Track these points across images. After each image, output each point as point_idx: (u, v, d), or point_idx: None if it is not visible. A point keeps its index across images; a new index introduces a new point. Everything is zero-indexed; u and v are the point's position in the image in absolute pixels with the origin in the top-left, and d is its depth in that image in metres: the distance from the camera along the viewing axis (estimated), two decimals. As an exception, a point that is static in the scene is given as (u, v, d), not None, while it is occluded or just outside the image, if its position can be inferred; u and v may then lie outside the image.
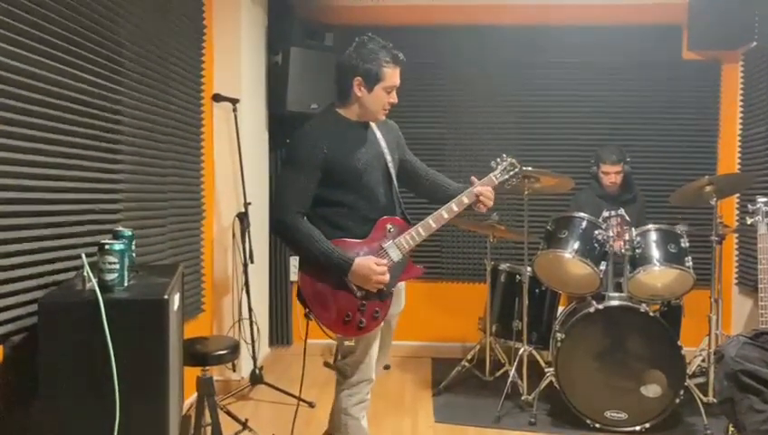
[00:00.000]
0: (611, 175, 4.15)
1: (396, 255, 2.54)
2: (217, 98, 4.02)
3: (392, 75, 2.52)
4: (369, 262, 2.46)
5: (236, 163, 4.03)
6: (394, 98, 2.57)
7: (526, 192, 3.82)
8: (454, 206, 2.63)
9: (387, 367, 4.67)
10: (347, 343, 2.55)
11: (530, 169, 3.73)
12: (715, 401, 3.44)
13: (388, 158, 2.64)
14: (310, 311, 2.51)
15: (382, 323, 2.58)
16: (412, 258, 2.62)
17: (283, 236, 2.59)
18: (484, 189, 2.65)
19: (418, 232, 2.57)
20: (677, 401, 3.49)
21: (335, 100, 2.60)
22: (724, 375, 1.99)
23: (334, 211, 2.53)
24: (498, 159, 2.80)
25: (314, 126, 2.58)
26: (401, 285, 2.73)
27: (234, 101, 4.02)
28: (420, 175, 2.82)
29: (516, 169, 2.78)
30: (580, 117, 4.90)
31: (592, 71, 4.88)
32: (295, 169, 2.51)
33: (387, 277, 2.49)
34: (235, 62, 4.14)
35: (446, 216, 2.62)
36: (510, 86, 4.91)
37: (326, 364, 2.80)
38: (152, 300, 1.89)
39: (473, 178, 2.69)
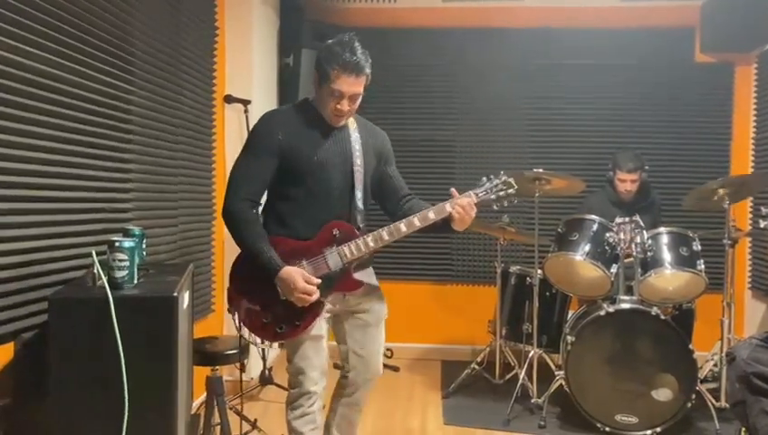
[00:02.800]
0: (627, 183, 4.11)
1: (335, 263, 2.39)
2: (229, 99, 4.03)
3: (337, 80, 2.31)
4: (297, 277, 2.31)
5: (247, 164, 4.03)
6: (344, 106, 2.36)
7: (537, 194, 3.80)
8: (416, 220, 2.39)
9: (396, 369, 4.67)
10: (262, 346, 2.42)
11: (540, 170, 3.73)
12: (727, 405, 3.41)
13: (358, 162, 2.47)
14: (231, 305, 2.43)
15: (312, 332, 2.42)
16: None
17: (224, 220, 2.43)
18: (465, 202, 2.39)
19: (366, 243, 2.39)
20: (689, 405, 3.46)
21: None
22: (735, 378, 1.97)
23: (283, 206, 2.43)
24: (492, 176, 2.52)
25: (276, 112, 2.51)
26: (378, 292, 2.61)
27: (245, 103, 4.03)
28: (395, 193, 2.61)
29: (511, 190, 2.47)
30: (592, 119, 4.88)
31: (604, 73, 4.86)
32: (248, 153, 2.42)
33: (312, 297, 2.33)
34: (247, 63, 4.15)
35: (404, 229, 2.39)
36: (522, 88, 4.90)
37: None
38: (161, 297, 1.90)
39: (452, 190, 2.44)
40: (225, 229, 4.09)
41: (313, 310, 2.39)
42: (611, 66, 4.85)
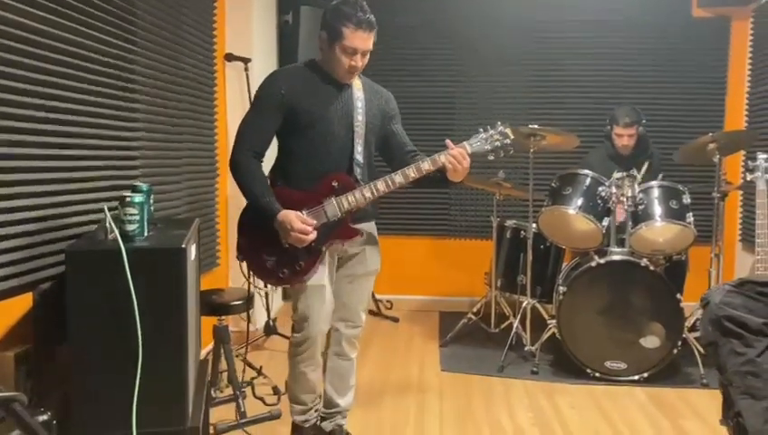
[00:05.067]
0: (624, 137, 4.16)
1: (333, 212, 2.50)
2: (229, 57, 4.10)
3: (351, 37, 2.42)
4: (292, 217, 2.43)
5: (249, 122, 4.12)
6: (356, 61, 2.47)
7: (532, 150, 3.89)
8: (411, 171, 2.49)
9: (396, 320, 4.83)
10: (265, 290, 2.56)
11: (536, 126, 3.81)
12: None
13: (359, 118, 2.56)
14: (239, 251, 2.58)
15: (314, 281, 2.54)
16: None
17: (231, 171, 2.58)
18: (456, 152, 2.47)
19: (363, 193, 2.49)
20: (675, 352, 3.62)
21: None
22: (708, 321, 2.10)
23: (286, 159, 2.58)
24: (488, 126, 2.57)
25: (281, 70, 2.65)
26: (375, 247, 2.73)
27: (245, 61, 4.09)
28: (400, 150, 2.70)
29: (507, 140, 2.53)
30: (590, 75, 4.94)
31: (603, 29, 4.90)
32: (254, 108, 2.57)
33: (308, 237, 2.44)
34: (247, 21, 4.20)
35: (399, 180, 2.49)
36: (521, 45, 4.94)
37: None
38: (171, 249, 2.00)
39: (447, 141, 2.51)
40: (229, 185, 4.24)
41: (312, 255, 2.51)
42: (609, 22, 4.88)
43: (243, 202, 4.26)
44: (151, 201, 2.40)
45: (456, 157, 2.46)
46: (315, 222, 2.48)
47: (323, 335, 2.65)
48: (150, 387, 1.91)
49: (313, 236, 2.46)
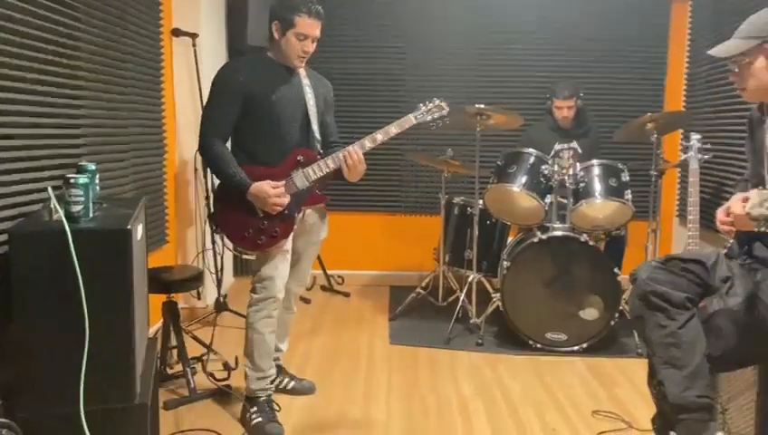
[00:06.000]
0: (564, 109, 4.34)
1: (302, 182, 2.79)
2: (176, 32, 4.05)
3: (304, 24, 2.71)
4: (265, 186, 2.71)
5: (197, 98, 4.10)
6: (308, 47, 2.76)
7: (478, 128, 3.98)
8: (367, 142, 2.82)
9: (347, 295, 4.91)
10: (246, 256, 2.84)
11: (482, 106, 3.89)
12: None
13: (310, 101, 2.87)
14: (216, 225, 2.86)
15: (283, 243, 2.81)
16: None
17: (201, 155, 2.85)
18: (354, 156, 2.75)
19: (326, 164, 2.79)
20: (613, 323, 3.79)
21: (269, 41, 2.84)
22: (636, 295, 2.22)
23: (250, 141, 2.80)
24: (427, 101, 2.94)
25: (238, 60, 2.91)
26: (325, 219, 3.06)
27: (193, 36, 4.05)
28: (325, 139, 2.97)
29: (443, 112, 2.93)
30: (533, 54, 5.02)
31: (547, 8, 4.97)
32: (217, 96, 2.78)
33: (283, 200, 2.74)
34: (194, -5, 4.15)
35: (358, 149, 2.79)
36: (467, 24, 4.99)
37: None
38: (116, 230, 2.01)
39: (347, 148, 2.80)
40: (178, 163, 4.21)
41: (286, 222, 2.80)
42: (554, 1, 4.96)
43: (191, 177, 4.28)
44: (97, 181, 2.40)
45: (354, 156, 2.75)
46: (284, 183, 2.75)
47: (283, 295, 2.89)
48: (98, 365, 1.94)
49: (287, 200, 2.75)
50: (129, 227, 2.01)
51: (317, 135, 2.88)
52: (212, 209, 2.86)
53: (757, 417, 2.30)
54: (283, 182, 2.75)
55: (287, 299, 3.05)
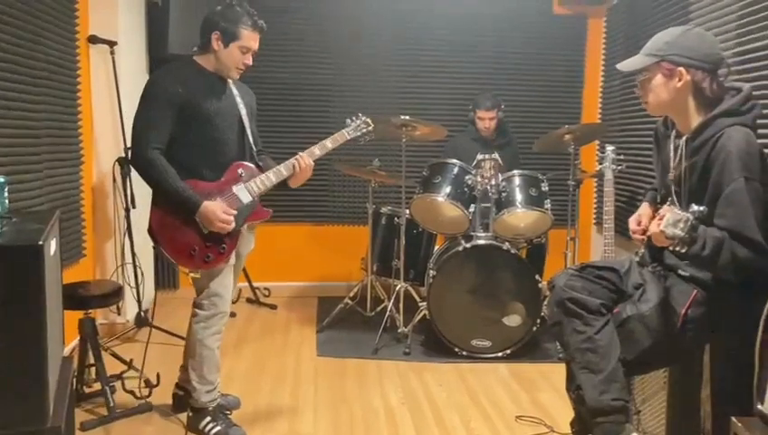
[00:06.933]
0: (486, 120, 4.46)
1: (246, 197, 2.76)
2: (93, 40, 3.92)
3: (249, 38, 2.70)
4: (216, 207, 2.65)
5: (116, 107, 3.98)
6: (249, 60, 2.75)
7: (404, 139, 4.02)
8: (316, 150, 2.89)
9: (274, 307, 4.85)
10: (192, 274, 2.75)
11: (407, 117, 3.94)
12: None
13: (243, 111, 2.84)
14: (157, 243, 2.69)
15: (231, 259, 2.79)
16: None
17: (139, 169, 2.69)
18: (305, 157, 2.84)
19: (269, 177, 2.79)
20: (535, 329, 3.89)
21: (197, 49, 2.78)
22: (554, 302, 2.29)
23: (186, 154, 2.69)
24: (354, 117, 3.07)
25: (172, 68, 2.76)
26: (252, 230, 3.01)
27: (111, 44, 3.93)
28: (250, 148, 2.94)
29: (370, 128, 3.06)
30: (458, 67, 5.12)
31: (471, 23, 5.08)
32: (153, 105, 2.66)
33: (231, 225, 2.68)
34: (112, 2, 4.02)
35: (308, 157, 2.86)
36: (393, 36, 5.05)
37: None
38: (27, 246, 1.93)
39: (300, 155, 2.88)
40: (95, 174, 4.08)
41: (233, 238, 2.75)
42: (477, 16, 5.07)
43: (110, 188, 4.14)
44: (6, 194, 2.30)
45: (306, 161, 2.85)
46: (235, 212, 2.70)
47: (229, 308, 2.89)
48: (7, 386, 1.87)
49: (234, 223, 2.70)
50: (41, 242, 1.93)
51: (253, 145, 2.87)
52: (150, 224, 2.71)
53: (668, 416, 2.42)
54: (235, 210, 2.70)
55: None
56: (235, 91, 2.85)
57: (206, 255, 2.69)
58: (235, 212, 2.70)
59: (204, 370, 2.83)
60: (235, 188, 2.74)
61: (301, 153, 2.85)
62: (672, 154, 2.26)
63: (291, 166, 2.83)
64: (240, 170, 2.77)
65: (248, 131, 2.86)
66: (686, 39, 2.14)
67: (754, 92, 2.18)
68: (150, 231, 2.71)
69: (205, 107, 2.69)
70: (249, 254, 3.09)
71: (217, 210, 2.64)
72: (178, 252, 2.69)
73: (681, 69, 2.12)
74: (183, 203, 2.63)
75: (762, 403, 1.83)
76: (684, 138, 2.19)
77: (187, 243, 2.67)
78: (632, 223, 2.41)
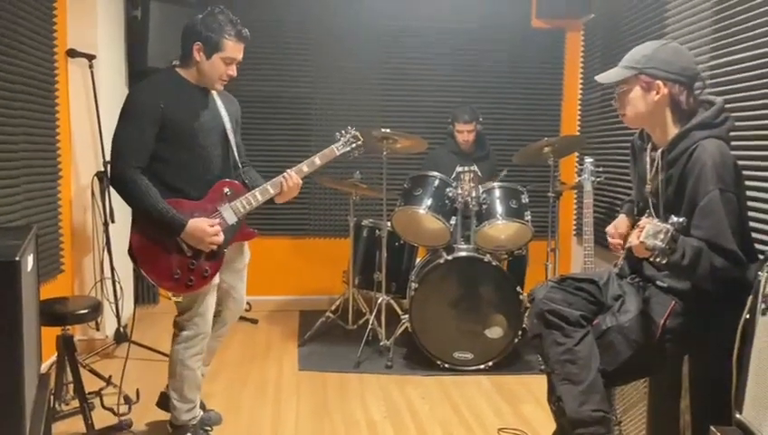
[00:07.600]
0: (464, 133, 4.50)
1: (231, 218, 2.67)
2: (72, 53, 3.90)
3: (233, 48, 2.58)
4: (203, 224, 2.56)
5: (94, 121, 3.95)
6: (233, 71, 2.63)
7: (385, 152, 4.03)
8: (304, 167, 2.82)
9: (255, 321, 4.82)
10: (174, 298, 2.69)
11: (388, 130, 3.95)
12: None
13: (228, 125, 2.73)
14: (138, 266, 2.60)
15: (214, 281, 2.72)
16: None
17: (119, 189, 2.57)
18: (293, 176, 2.78)
19: (255, 197, 2.70)
20: (516, 341, 3.89)
21: (179, 61, 2.66)
22: (534, 314, 2.31)
23: (169, 171, 2.59)
24: (343, 131, 3.00)
25: (152, 82, 2.64)
26: (243, 244, 2.93)
27: (90, 57, 3.91)
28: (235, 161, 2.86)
29: (359, 142, 3.00)
30: (437, 80, 5.14)
31: (451, 37, 5.12)
32: (133, 122, 2.53)
33: (220, 238, 2.60)
34: (91, 15, 4.00)
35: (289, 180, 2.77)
36: (374, 49, 5.07)
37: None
38: (3, 262, 1.89)
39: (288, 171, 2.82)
40: (74, 188, 4.03)
41: (217, 260, 2.67)
42: (457, 30, 5.11)
43: (88, 203, 4.10)
44: (-19, 209, 2.27)
45: (295, 179, 2.78)
46: (220, 227, 2.62)
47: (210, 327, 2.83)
48: (-18, 407, 1.82)
49: (222, 237, 2.61)
50: (17, 258, 1.90)
51: (238, 161, 2.78)
52: (131, 244, 2.60)
53: (648, 426, 2.43)
54: (218, 220, 2.62)
55: (223, 326, 2.98)
56: (219, 103, 2.73)
57: (188, 278, 2.61)
58: (218, 221, 2.62)
59: (185, 389, 2.79)
60: (220, 208, 2.65)
61: (289, 171, 2.76)
62: (648, 166, 2.29)
63: (278, 184, 2.73)
64: (226, 189, 2.67)
65: (233, 145, 2.75)
66: (663, 53, 2.18)
67: (727, 105, 2.22)
68: (131, 253, 2.60)
69: (187, 122, 2.58)
70: (248, 264, 3.02)
71: (205, 227, 2.56)
72: (160, 275, 2.60)
73: (659, 82, 2.16)
74: (167, 225, 2.53)
75: (740, 412, 1.85)
76: (660, 150, 2.22)
77: (169, 266, 2.59)
78: (609, 229, 2.43)
